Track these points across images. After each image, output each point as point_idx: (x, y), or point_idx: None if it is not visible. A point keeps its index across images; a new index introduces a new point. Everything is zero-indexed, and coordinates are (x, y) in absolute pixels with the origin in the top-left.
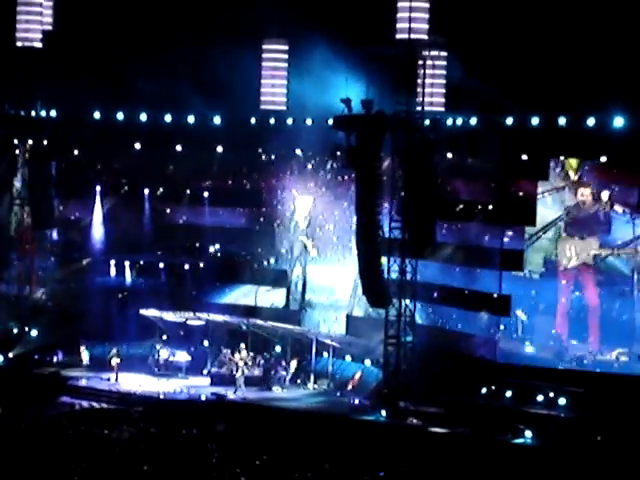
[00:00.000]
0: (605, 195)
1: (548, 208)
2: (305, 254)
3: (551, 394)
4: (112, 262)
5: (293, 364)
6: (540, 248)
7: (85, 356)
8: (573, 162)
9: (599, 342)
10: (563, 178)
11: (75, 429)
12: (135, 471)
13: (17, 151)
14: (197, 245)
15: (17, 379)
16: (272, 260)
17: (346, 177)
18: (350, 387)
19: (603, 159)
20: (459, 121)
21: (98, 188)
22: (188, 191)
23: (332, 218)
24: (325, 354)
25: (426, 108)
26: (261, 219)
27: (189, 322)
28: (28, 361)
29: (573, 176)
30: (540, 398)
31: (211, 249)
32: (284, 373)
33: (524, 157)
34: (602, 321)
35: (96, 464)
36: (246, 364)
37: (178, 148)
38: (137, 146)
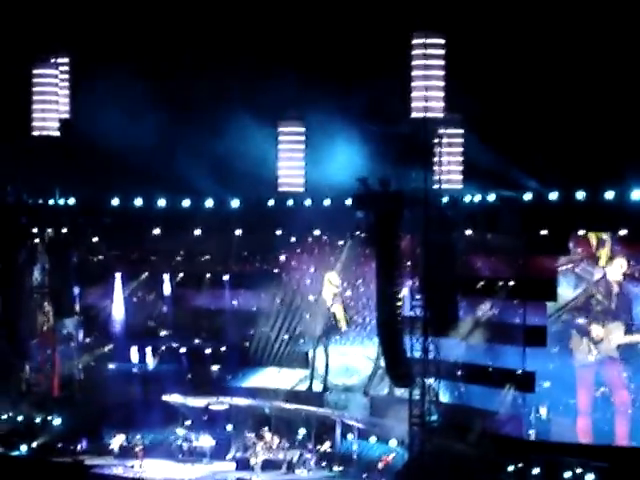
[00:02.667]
0: (622, 265)
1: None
2: (328, 334)
3: (579, 470)
4: (134, 348)
5: (325, 446)
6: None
7: (118, 442)
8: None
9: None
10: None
11: None
12: None
13: (36, 240)
14: (218, 329)
15: (41, 468)
16: (293, 342)
17: (366, 256)
18: (381, 466)
19: (623, 232)
20: (477, 198)
21: (118, 275)
22: (208, 275)
23: (352, 298)
24: (350, 436)
25: (443, 185)
26: (281, 301)
27: (212, 407)
28: (52, 450)
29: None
30: (568, 474)
31: (232, 333)
32: (309, 456)
33: (544, 232)
34: (634, 419)
35: None
36: (270, 447)
37: (197, 232)
38: (156, 232)
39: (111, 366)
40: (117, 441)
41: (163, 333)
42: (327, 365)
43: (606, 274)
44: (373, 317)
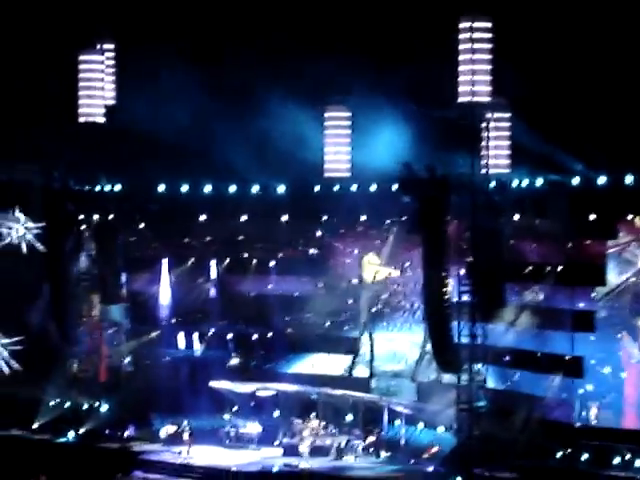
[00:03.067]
0: None
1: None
2: (373, 320)
3: (628, 456)
4: (180, 334)
5: (371, 438)
6: None
7: (170, 429)
8: None
9: None
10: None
11: None
12: None
13: (83, 226)
14: (264, 315)
15: (88, 455)
16: (339, 327)
17: (413, 241)
18: (426, 455)
19: None
20: (525, 182)
21: (165, 261)
22: (254, 261)
23: (400, 284)
24: (397, 422)
25: (490, 170)
26: (328, 286)
27: (259, 393)
28: (99, 436)
29: None
30: (617, 460)
31: (278, 318)
32: (357, 442)
33: (592, 217)
34: None
35: None
36: (317, 434)
37: (243, 218)
38: (202, 218)
39: (158, 352)
40: (166, 429)
41: (209, 319)
42: (373, 351)
43: None
44: (420, 303)
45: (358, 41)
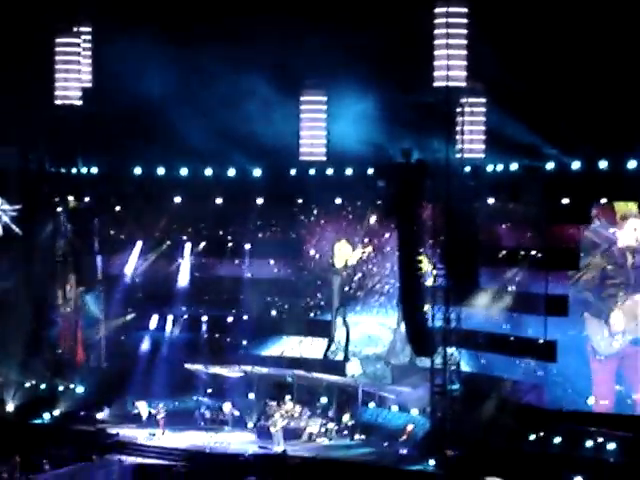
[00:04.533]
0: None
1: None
2: (346, 304)
3: (600, 439)
4: (155, 316)
5: (345, 418)
6: None
7: (144, 411)
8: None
9: None
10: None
11: None
12: None
13: (59, 209)
14: (239, 298)
15: (63, 436)
16: (314, 311)
17: (388, 226)
18: (402, 439)
19: None
20: (499, 167)
21: (139, 243)
22: (229, 244)
23: (374, 267)
24: (371, 404)
25: (466, 155)
26: (302, 270)
27: (233, 375)
28: (74, 418)
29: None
30: (589, 443)
31: (253, 301)
32: (330, 425)
33: (566, 201)
34: None
35: None
36: (291, 416)
37: (218, 201)
38: (178, 200)
39: (133, 335)
40: (140, 409)
41: (184, 302)
42: (348, 334)
43: (617, 240)
44: (395, 286)
45: (335, 27)
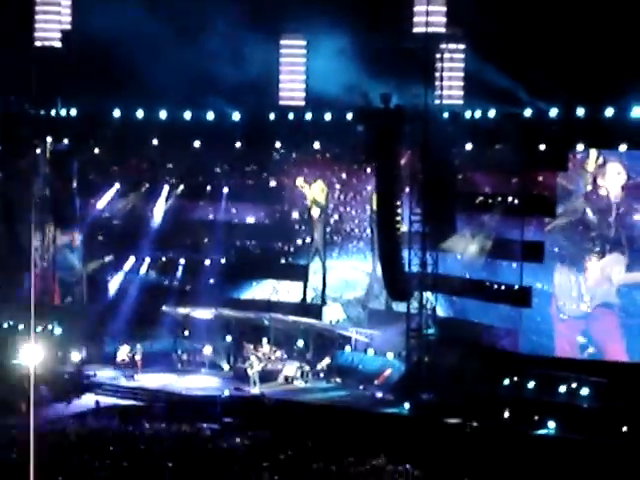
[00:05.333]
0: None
1: None
2: (324, 248)
3: (574, 384)
4: (132, 259)
5: (325, 362)
6: None
7: (124, 354)
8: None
9: None
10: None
11: (99, 425)
12: (158, 467)
13: (38, 150)
14: (217, 241)
15: (40, 376)
16: (291, 255)
17: (366, 171)
18: (378, 382)
19: (622, 148)
20: (477, 113)
21: (117, 185)
22: (208, 187)
23: (351, 212)
24: (347, 348)
25: (444, 101)
26: (280, 214)
27: (210, 318)
28: (51, 359)
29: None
30: (563, 389)
31: (231, 245)
32: (307, 367)
33: (543, 147)
34: None
35: (120, 460)
36: (268, 358)
37: (197, 144)
38: (156, 143)
39: (110, 277)
40: (121, 351)
41: (162, 244)
42: (325, 278)
43: (598, 186)
44: (371, 231)
45: None
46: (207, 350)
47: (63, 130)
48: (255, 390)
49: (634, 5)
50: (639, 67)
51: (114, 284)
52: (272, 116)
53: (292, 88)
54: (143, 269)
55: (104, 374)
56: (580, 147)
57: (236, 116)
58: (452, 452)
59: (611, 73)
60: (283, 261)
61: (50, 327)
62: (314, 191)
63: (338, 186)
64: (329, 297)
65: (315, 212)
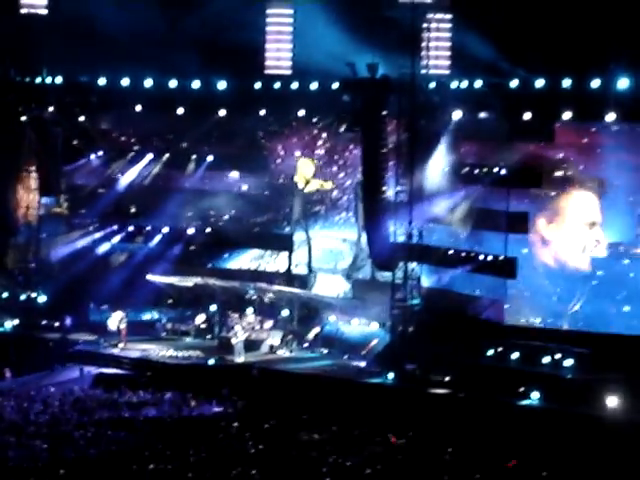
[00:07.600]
0: None
1: None
2: (307, 218)
3: (558, 355)
4: (117, 227)
5: (314, 332)
6: None
7: (114, 322)
8: None
9: None
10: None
11: (84, 394)
12: (145, 436)
13: (23, 118)
14: (202, 210)
15: (25, 344)
16: (277, 224)
17: (352, 140)
18: (363, 352)
19: (609, 118)
20: (464, 83)
21: (101, 153)
22: (194, 156)
23: (337, 182)
24: (332, 318)
25: (431, 71)
26: (264, 183)
27: (196, 287)
28: (36, 327)
29: None
30: (547, 359)
31: (216, 214)
32: (291, 337)
33: (528, 117)
34: None
35: (106, 429)
36: (253, 328)
37: (181, 112)
38: (141, 111)
39: (95, 245)
40: (112, 319)
41: (147, 214)
42: (310, 248)
43: None
44: (357, 201)
45: None
46: (192, 319)
47: (48, 98)
48: (240, 359)
49: None
50: (626, 39)
51: (98, 252)
52: (258, 85)
53: (279, 57)
54: (129, 238)
55: (88, 341)
56: (566, 116)
57: (222, 85)
58: (436, 422)
59: (598, 44)
60: (268, 231)
61: (34, 295)
62: (301, 165)
63: (325, 155)
64: (314, 267)
65: (300, 184)
